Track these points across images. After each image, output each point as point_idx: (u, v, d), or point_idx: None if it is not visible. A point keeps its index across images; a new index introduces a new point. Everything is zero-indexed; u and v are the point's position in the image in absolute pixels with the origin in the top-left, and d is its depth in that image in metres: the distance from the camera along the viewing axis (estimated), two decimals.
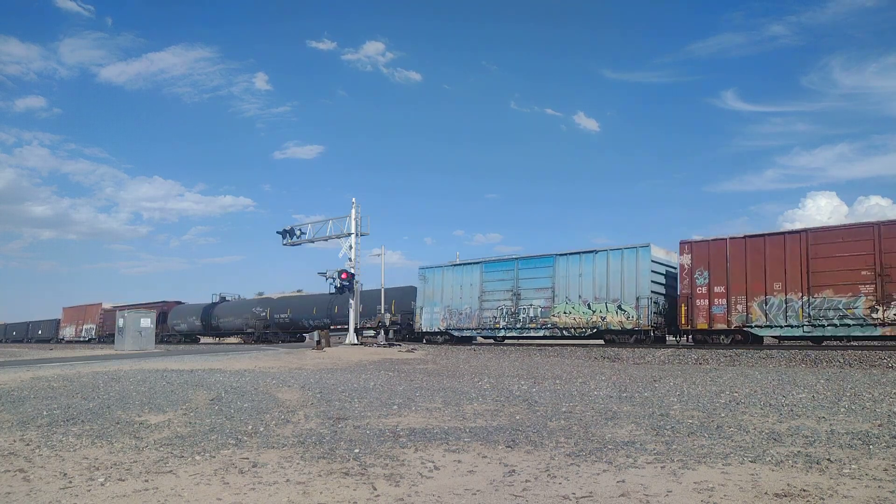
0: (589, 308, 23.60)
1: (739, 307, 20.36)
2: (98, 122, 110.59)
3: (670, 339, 23.84)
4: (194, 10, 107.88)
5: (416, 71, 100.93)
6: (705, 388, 10.81)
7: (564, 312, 24.30)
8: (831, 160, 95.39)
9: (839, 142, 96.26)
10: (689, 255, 21.55)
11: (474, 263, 28.08)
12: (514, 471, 4.98)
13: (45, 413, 7.94)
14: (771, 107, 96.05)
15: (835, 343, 20.23)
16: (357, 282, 29.50)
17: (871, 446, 5.66)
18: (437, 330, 28.71)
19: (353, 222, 29.48)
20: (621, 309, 22.78)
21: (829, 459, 5.15)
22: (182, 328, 44.68)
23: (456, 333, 28.22)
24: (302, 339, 38.33)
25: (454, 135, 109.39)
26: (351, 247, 29.32)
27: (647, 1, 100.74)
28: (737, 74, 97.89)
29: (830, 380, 11.83)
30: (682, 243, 21.95)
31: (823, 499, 4.12)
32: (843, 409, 7.97)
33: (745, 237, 20.88)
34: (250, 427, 6.97)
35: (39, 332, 64.32)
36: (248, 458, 5.46)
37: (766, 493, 4.24)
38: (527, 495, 4.32)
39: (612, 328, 22.89)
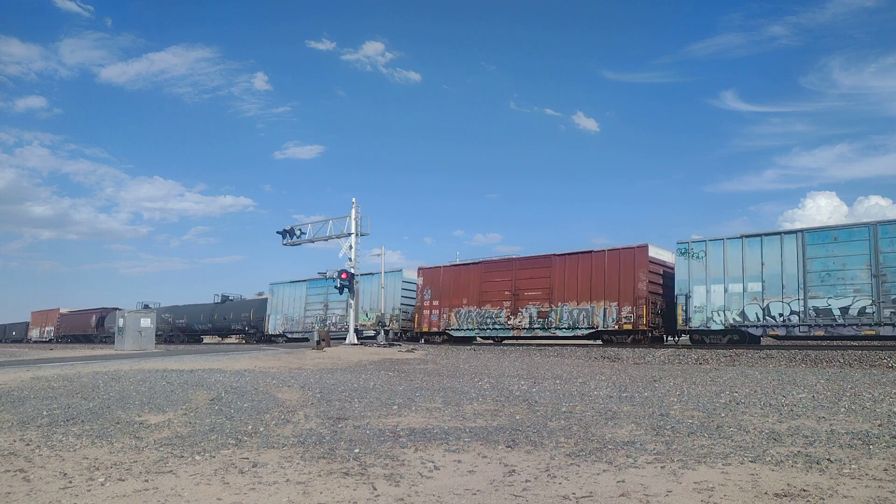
0: (366, 315, 33.18)
1: (445, 316, 29.21)
2: (98, 123, 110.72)
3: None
4: (194, 10, 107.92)
5: (416, 71, 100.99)
6: (705, 388, 10.81)
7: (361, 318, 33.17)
8: (831, 160, 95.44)
9: (838, 142, 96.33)
10: (422, 278, 30.60)
11: (301, 282, 37.40)
12: (514, 471, 4.98)
13: (45, 413, 7.94)
14: (770, 107, 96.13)
15: (835, 343, 20.73)
16: (357, 281, 29.50)
17: (871, 446, 5.66)
18: (278, 333, 38.41)
19: (353, 222, 29.48)
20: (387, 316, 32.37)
21: (829, 459, 5.15)
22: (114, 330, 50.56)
23: (289, 335, 37.78)
24: (199, 341, 47.10)
25: (454, 135, 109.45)
26: (351, 247, 29.32)
27: (646, 1, 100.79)
28: (736, 75, 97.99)
29: (830, 380, 11.83)
30: (420, 269, 31.11)
31: (823, 499, 4.12)
32: (843, 409, 7.97)
33: (452, 265, 30.10)
34: (250, 427, 6.97)
35: (14, 333, 69.98)
36: (248, 458, 5.46)
37: (766, 493, 4.24)
38: (527, 495, 4.32)
39: (387, 329, 30.95)
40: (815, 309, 19.17)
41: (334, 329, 33.23)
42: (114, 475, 4.94)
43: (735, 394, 9.77)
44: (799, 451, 5.48)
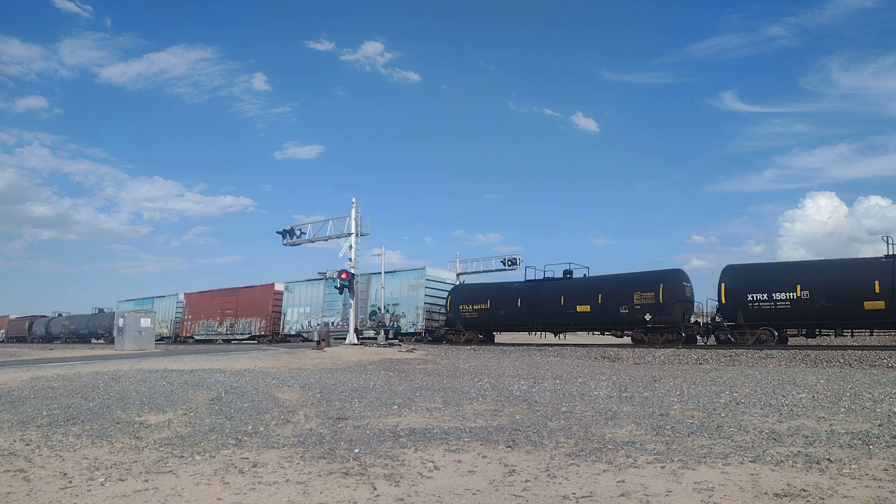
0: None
1: (193, 325, 43.81)
2: (99, 123, 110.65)
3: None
4: (194, 10, 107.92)
5: (415, 71, 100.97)
6: (705, 388, 10.81)
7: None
8: (830, 160, 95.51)
9: (838, 142, 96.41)
10: (185, 300, 45.04)
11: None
12: (514, 471, 4.98)
13: (45, 413, 7.94)
14: (770, 107, 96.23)
15: (834, 343, 21.03)
16: (357, 281, 29.50)
17: (871, 446, 5.66)
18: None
19: (353, 222, 29.47)
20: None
21: (829, 459, 5.15)
22: (40, 333, 60.67)
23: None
24: (87, 342, 50.90)
25: (454, 135, 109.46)
26: (351, 247, 29.31)
27: (645, 2, 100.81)
28: (736, 75, 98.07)
29: (830, 380, 11.83)
30: (185, 294, 44.85)
31: (823, 499, 4.12)
32: (843, 409, 7.97)
33: (199, 292, 44.67)
34: (250, 427, 6.97)
35: None
36: (248, 458, 5.46)
37: (766, 493, 4.24)
38: (527, 495, 4.32)
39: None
40: (325, 322, 34.28)
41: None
42: (114, 475, 4.94)
43: (735, 394, 9.77)
44: (799, 451, 5.48)
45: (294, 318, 36.43)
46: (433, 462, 5.30)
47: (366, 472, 4.94)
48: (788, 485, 4.44)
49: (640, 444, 5.87)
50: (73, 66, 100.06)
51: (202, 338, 40.95)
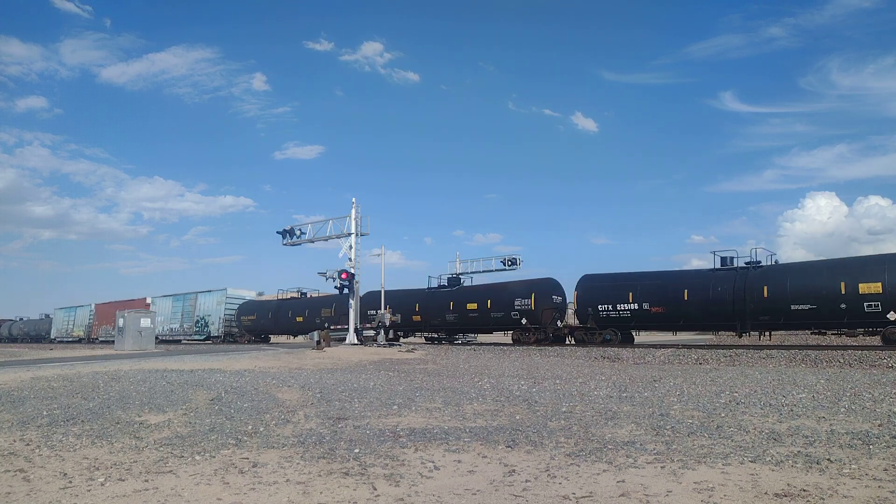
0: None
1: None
2: (99, 123, 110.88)
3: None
4: (194, 10, 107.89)
5: (414, 71, 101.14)
6: (705, 388, 10.81)
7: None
8: (830, 160, 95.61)
9: (838, 142, 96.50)
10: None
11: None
12: (514, 471, 4.98)
13: (45, 413, 7.94)
14: (769, 108, 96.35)
15: (835, 343, 21.09)
16: (357, 281, 29.50)
17: (871, 446, 5.66)
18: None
19: (353, 222, 29.47)
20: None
21: (829, 459, 5.15)
22: (5, 334, 69.37)
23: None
24: (38, 341, 57.18)
25: (454, 135, 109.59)
26: (351, 247, 29.31)
27: (645, 2, 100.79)
28: (735, 76, 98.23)
29: (830, 380, 11.83)
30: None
31: (823, 499, 4.12)
32: (843, 409, 7.97)
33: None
34: (250, 427, 6.97)
35: None
36: (248, 458, 5.46)
37: (766, 493, 4.24)
38: (527, 495, 4.32)
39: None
40: (171, 328, 45.90)
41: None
42: (114, 475, 4.93)
43: (735, 394, 9.77)
44: (799, 451, 5.48)
45: (158, 323, 47.28)
46: (433, 462, 5.30)
47: (366, 472, 4.94)
48: (788, 485, 4.44)
49: (640, 444, 5.87)
50: (74, 66, 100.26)
51: (103, 339, 48.42)
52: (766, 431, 6.47)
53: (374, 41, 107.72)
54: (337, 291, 29.56)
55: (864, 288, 20.36)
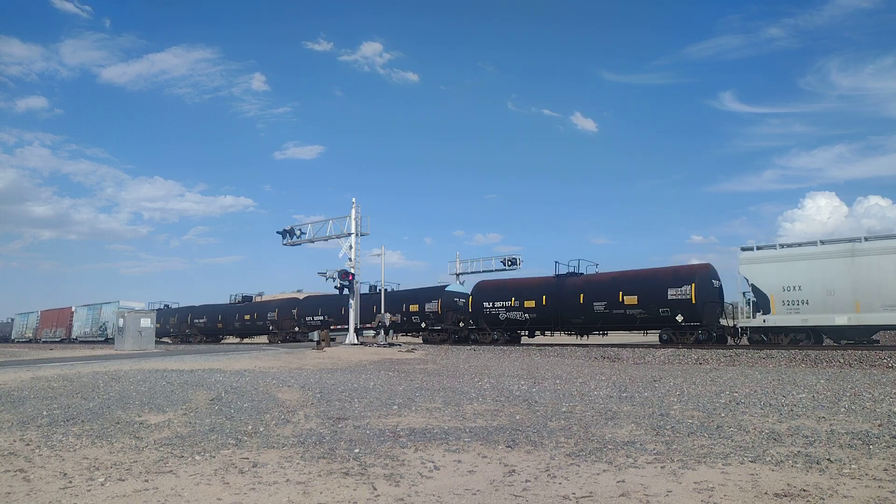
0: None
1: None
2: (99, 123, 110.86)
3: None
4: (195, 10, 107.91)
5: (414, 72, 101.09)
6: (705, 388, 10.80)
7: None
8: (830, 161, 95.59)
9: (837, 143, 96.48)
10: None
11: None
12: (514, 471, 4.98)
13: (45, 413, 7.93)
14: (769, 108, 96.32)
15: (835, 343, 20.98)
16: (357, 282, 29.49)
17: (871, 446, 5.66)
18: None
19: (353, 222, 29.47)
20: None
21: (829, 459, 5.15)
22: None
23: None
24: (5, 342, 63.27)
25: (453, 135, 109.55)
26: (351, 247, 29.32)
27: (645, 2, 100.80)
28: (734, 76, 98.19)
29: (830, 380, 11.83)
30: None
31: (823, 499, 4.12)
32: (843, 409, 7.97)
33: None
34: (250, 427, 6.97)
35: None
36: (248, 458, 5.46)
37: (766, 493, 4.24)
38: (527, 495, 4.32)
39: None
40: (85, 332, 51.93)
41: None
42: (114, 475, 4.93)
43: (735, 394, 9.77)
44: (799, 451, 5.48)
45: (77, 327, 54.70)
46: (433, 462, 5.30)
47: (366, 472, 4.94)
48: (788, 485, 4.44)
49: (640, 444, 5.87)
50: (74, 66, 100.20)
51: (47, 339, 58.72)
52: (766, 431, 6.47)
53: (373, 41, 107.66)
54: (337, 291, 29.57)
55: (427, 307, 31.02)
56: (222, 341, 46.13)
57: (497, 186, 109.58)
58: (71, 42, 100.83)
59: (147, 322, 29.56)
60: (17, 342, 63.42)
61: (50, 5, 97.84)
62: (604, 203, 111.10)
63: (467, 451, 5.74)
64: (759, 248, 21.82)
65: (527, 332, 29.12)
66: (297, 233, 31.98)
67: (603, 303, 25.47)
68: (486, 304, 28.75)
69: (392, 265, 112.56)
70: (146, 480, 4.78)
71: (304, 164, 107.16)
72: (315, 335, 26.33)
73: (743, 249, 22.02)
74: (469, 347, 26.23)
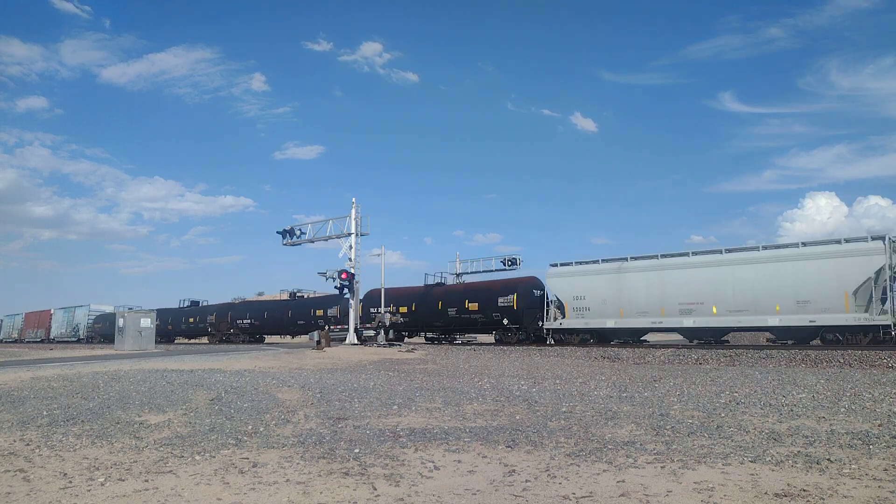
0: None
1: None
2: (99, 123, 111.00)
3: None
4: (195, 10, 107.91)
5: (414, 72, 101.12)
6: (705, 388, 10.80)
7: None
8: (830, 161, 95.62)
9: (837, 143, 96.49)
10: None
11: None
12: (514, 471, 4.98)
13: (45, 413, 7.93)
14: (768, 108, 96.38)
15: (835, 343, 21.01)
16: (357, 282, 29.49)
17: (871, 446, 5.66)
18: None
19: (353, 222, 29.47)
20: None
21: (829, 459, 5.15)
22: None
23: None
24: None
25: (453, 135, 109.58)
26: (351, 247, 29.31)
27: (645, 3, 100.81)
28: (734, 76, 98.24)
29: (830, 380, 11.83)
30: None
31: (823, 499, 4.12)
32: (843, 409, 7.97)
33: None
34: (250, 427, 6.97)
35: None
36: (248, 458, 5.46)
37: (766, 493, 4.24)
38: (527, 495, 4.32)
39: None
40: (61, 332, 58.50)
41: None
42: (114, 475, 4.93)
43: (735, 394, 9.77)
44: (799, 451, 5.48)
45: (55, 328, 59.56)
46: (433, 462, 5.30)
47: (366, 472, 4.94)
48: (788, 485, 4.44)
49: (640, 444, 5.87)
50: (74, 66, 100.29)
51: (30, 339, 63.58)
52: (766, 431, 6.47)
53: (373, 41, 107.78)
54: (337, 291, 29.58)
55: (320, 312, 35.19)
56: (174, 341, 49.71)
57: (497, 186, 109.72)
58: (71, 42, 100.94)
59: (147, 322, 29.56)
60: (5, 342, 66.63)
61: (50, 5, 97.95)
62: (604, 203, 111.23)
63: (467, 451, 5.74)
64: (561, 265, 26.95)
65: (407, 333, 33.86)
66: (297, 233, 31.98)
67: (455, 309, 30.59)
68: (372, 310, 32.67)
69: (392, 265, 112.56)
70: (146, 480, 4.78)
71: (304, 164, 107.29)
72: (315, 335, 26.33)
73: (551, 266, 27.32)
74: (469, 348, 26.24)
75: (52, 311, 61.65)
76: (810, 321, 20.14)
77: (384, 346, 26.94)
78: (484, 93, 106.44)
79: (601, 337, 25.27)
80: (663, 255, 24.16)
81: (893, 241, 19.33)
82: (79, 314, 56.47)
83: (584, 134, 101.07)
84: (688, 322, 22.48)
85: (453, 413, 8.02)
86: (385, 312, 30.51)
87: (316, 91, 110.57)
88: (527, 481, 4.67)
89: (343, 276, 28.43)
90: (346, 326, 30.11)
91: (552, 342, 26.31)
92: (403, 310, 31.93)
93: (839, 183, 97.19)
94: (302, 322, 37.30)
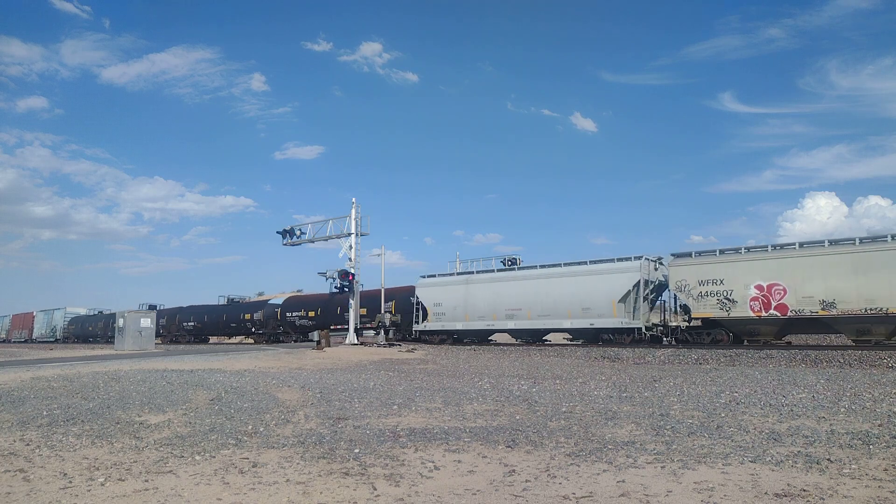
0: None
1: None
2: (100, 123, 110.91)
3: None
4: (195, 10, 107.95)
5: (413, 72, 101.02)
6: (705, 388, 10.80)
7: None
8: (829, 161, 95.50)
9: (837, 143, 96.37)
10: None
11: None
12: (514, 471, 4.98)
13: (45, 413, 7.93)
14: (768, 108, 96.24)
15: (835, 343, 21.18)
16: (357, 282, 29.49)
17: (871, 446, 5.66)
18: None
19: (353, 222, 29.46)
20: None
21: (829, 459, 5.15)
22: None
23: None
24: None
25: (453, 135, 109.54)
26: (351, 247, 29.31)
27: (644, 3, 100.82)
28: (734, 76, 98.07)
29: (830, 380, 11.83)
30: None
31: (823, 499, 4.12)
32: (843, 409, 7.97)
33: None
34: (250, 427, 6.97)
35: None
36: (248, 458, 5.46)
37: (766, 493, 4.24)
38: (527, 495, 4.32)
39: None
40: (42, 333, 62.38)
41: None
42: (114, 475, 4.94)
43: (735, 394, 9.77)
44: (799, 451, 5.48)
45: (37, 329, 62.40)
46: (433, 462, 5.30)
47: (366, 472, 4.94)
48: (788, 485, 4.44)
49: (640, 444, 5.87)
50: (74, 66, 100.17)
51: (15, 339, 66.46)
52: (766, 431, 6.47)
53: (372, 41, 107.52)
54: (337, 290, 29.59)
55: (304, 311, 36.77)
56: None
57: (497, 186, 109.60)
58: (71, 42, 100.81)
59: (147, 322, 29.57)
60: None
61: (50, 5, 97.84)
62: (604, 203, 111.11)
63: (467, 451, 5.74)
64: (427, 277, 31.36)
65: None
66: (297, 233, 31.98)
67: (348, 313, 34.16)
68: (288, 314, 37.34)
69: (392, 265, 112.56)
70: (146, 480, 4.78)
71: (304, 164, 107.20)
72: (315, 335, 26.33)
73: (420, 277, 31.75)
74: (469, 348, 26.24)
75: (34, 314, 65.15)
76: (590, 324, 24.48)
77: (384, 346, 26.95)
78: (483, 93, 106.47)
79: (454, 337, 29.75)
80: (499, 270, 29.82)
81: (648, 260, 23.73)
82: (56, 316, 60.92)
83: (584, 134, 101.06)
84: (511, 325, 27.39)
85: (453, 413, 8.02)
86: (385, 313, 30.52)
87: (316, 91, 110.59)
88: (527, 481, 4.67)
89: (343, 276, 28.43)
90: (270, 330, 35.31)
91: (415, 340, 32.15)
92: (312, 313, 36.95)
93: (839, 183, 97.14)
94: (234, 325, 41.96)
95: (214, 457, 5.54)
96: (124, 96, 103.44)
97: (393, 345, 27.73)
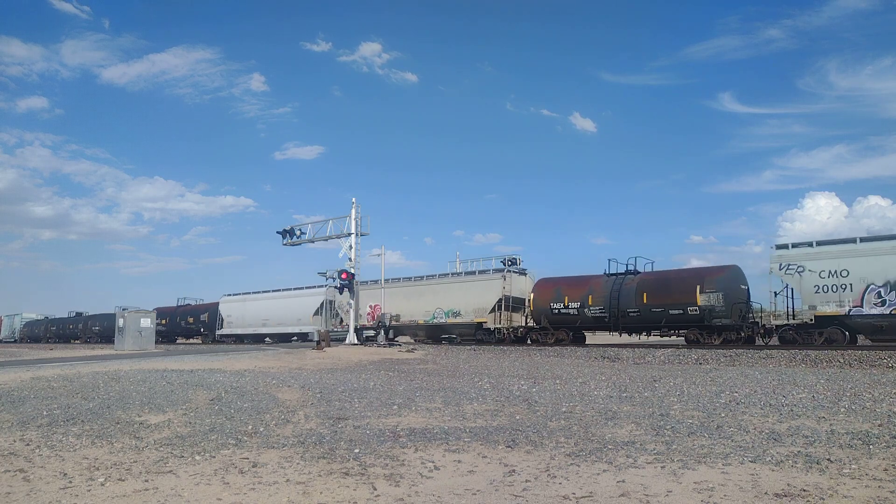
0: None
1: None
2: (100, 123, 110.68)
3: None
4: (195, 10, 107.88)
5: (412, 72, 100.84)
6: (705, 388, 10.80)
7: None
8: (829, 161, 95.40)
9: (836, 143, 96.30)
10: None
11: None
12: (514, 471, 4.98)
13: (45, 413, 7.93)
14: (768, 109, 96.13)
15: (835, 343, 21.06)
16: (357, 282, 29.49)
17: (871, 446, 5.66)
18: None
19: (353, 222, 29.47)
20: None
21: (829, 459, 5.15)
22: None
23: None
24: None
25: (453, 135, 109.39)
26: (351, 247, 29.31)
27: (644, 3, 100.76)
28: (733, 77, 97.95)
29: (830, 380, 11.83)
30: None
31: (823, 499, 4.12)
32: (843, 409, 7.97)
33: None
34: (250, 427, 6.97)
35: None
36: (248, 458, 5.46)
37: (766, 493, 4.24)
38: (527, 495, 4.32)
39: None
40: (5, 336, 70.01)
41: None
42: (114, 475, 4.94)
43: (735, 394, 9.77)
44: (799, 451, 5.48)
45: (4, 331, 68.65)
46: (433, 462, 5.30)
47: (366, 472, 4.94)
48: (788, 485, 4.44)
49: (640, 444, 5.87)
50: (75, 66, 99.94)
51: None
52: (766, 431, 6.47)
53: (371, 42, 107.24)
54: (337, 290, 29.61)
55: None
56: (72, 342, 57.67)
57: (497, 186, 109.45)
58: (71, 42, 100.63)
59: (147, 322, 29.58)
60: None
61: (50, 5, 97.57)
62: (604, 203, 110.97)
63: (467, 451, 5.74)
64: (232, 295, 43.32)
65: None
66: (297, 233, 31.98)
67: None
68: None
69: (392, 265, 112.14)
70: (146, 480, 4.78)
71: (304, 164, 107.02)
72: (315, 335, 26.34)
73: (223, 295, 43.92)
74: (469, 348, 26.25)
75: (2, 317, 72.75)
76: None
77: (384, 346, 26.95)
78: (483, 93, 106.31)
79: (242, 340, 39.97)
80: (273, 290, 41.35)
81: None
82: (16, 321, 70.07)
83: (584, 134, 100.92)
84: (263, 330, 40.54)
85: (453, 413, 8.02)
86: (385, 312, 30.53)
87: (316, 91, 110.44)
88: (527, 481, 4.67)
89: (343, 276, 28.44)
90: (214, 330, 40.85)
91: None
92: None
93: (839, 183, 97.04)
94: (184, 324, 46.87)
95: (214, 457, 5.54)
96: (124, 96, 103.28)
97: (393, 344, 27.73)
